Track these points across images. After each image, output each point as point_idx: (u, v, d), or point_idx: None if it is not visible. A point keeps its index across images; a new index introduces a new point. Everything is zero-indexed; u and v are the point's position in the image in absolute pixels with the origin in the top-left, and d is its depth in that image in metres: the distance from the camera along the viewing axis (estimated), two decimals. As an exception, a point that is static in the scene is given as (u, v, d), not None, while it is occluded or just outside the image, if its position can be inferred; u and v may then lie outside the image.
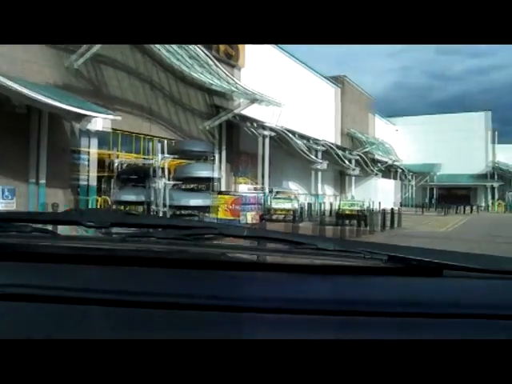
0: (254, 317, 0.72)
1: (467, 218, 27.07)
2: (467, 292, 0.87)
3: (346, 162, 29.92)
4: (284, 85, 25.05)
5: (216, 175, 10.39)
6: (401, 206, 32.35)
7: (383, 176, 37.69)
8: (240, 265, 0.98)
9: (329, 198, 28.95)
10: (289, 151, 24.02)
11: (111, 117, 12.42)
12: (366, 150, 35.48)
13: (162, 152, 11.07)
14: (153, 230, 1.13)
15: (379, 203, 27.28)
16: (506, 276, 0.96)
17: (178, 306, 0.73)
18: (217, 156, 20.09)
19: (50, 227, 1.16)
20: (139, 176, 11.84)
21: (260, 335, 0.66)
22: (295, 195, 19.53)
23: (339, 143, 32.85)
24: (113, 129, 14.26)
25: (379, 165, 37.61)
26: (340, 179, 33.89)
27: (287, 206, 17.50)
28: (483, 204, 45.70)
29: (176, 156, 10.87)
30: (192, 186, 12.71)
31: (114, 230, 1.13)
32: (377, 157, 38.04)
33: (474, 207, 37.73)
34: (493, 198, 46.96)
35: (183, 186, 12.03)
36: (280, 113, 20.15)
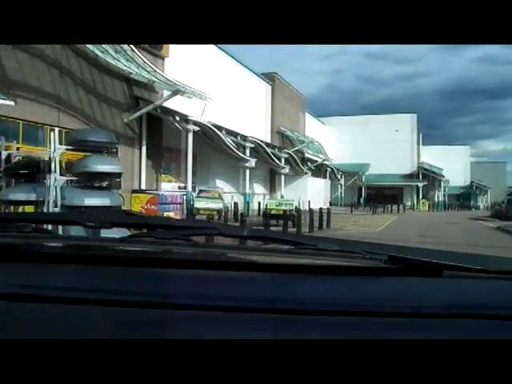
0: (254, 317, 0.73)
1: (396, 217, 27.09)
2: (467, 292, 0.87)
3: (276, 160, 29.10)
4: (213, 78, 23.81)
5: (120, 170, 8.95)
6: (331, 205, 32.12)
7: (314, 175, 37.38)
8: (240, 265, 0.98)
9: (259, 197, 28.11)
10: (217, 148, 22.80)
11: (2, 102, 10.64)
12: (297, 148, 34.96)
13: (58, 143, 9.49)
14: (153, 231, 1.10)
15: (309, 202, 26.90)
16: (506, 276, 0.95)
17: (178, 306, 0.74)
18: (137, 151, 18.51)
19: (50, 227, 1.20)
20: (32, 171, 10.13)
21: (260, 335, 0.66)
22: (220, 194, 18.28)
23: (270, 141, 32.06)
24: (9, 117, 12.44)
25: (310, 164, 37.27)
26: (271, 178, 33.06)
27: (212, 205, 16.24)
28: (409, 203, 46.70)
29: (71, 147, 9.34)
30: (102, 182, 11.13)
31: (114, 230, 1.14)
32: (308, 155, 37.71)
33: (401, 206, 38.29)
34: (418, 197, 48.14)
35: (100, 184, 10.50)
36: (205, 106, 18.88)
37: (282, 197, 27.47)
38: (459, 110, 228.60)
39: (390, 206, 35.40)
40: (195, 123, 19.13)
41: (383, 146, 48.91)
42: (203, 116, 19.32)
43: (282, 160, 30.32)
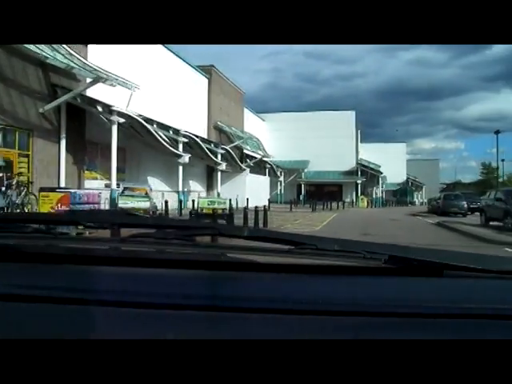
0: (253, 317, 0.73)
1: (335, 215, 26.50)
2: (467, 292, 0.88)
3: (213, 156, 27.74)
4: (146, 69, 22.24)
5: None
6: (270, 202, 31.28)
7: (253, 172, 36.39)
8: (240, 265, 0.97)
9: (196, 195, 26.81)
10: (148, 143, 21.19)
11: None
12: (235, 144, 33.80)
13: None
14: (153, 231, 1.10)
15: (247, 200, 25.94)
16: (506, 276, 0.95)
17: (178, 307, 0.74)
18: (56, 145, 16.66)
19: (50, 228, 1.14)
20: None
21: (260, 335, 0.66)
22: (147, 192, 16.74)
23: (207, 136, 30.73)
24: None
25: (249, 160, 36.28)
26: (208, 175, 31.69)
27: (138, 204, 14.73)
28: (349, 200, 46.74)
29: None
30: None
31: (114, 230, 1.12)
32: (246, 152, 36.72)
33: (342, 203, 38.08)
34: (357, 193, 48.18)
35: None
36: (131, 96, 17.30)
37: (218, 195, 26.32)
38: (395, 109, 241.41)
39: (329, 203, 34.96)
40: (121, 114, 17.48)
41: (323, 142, 48.58)
42: (130, 107, 17.72)
43: (219, 156, 29.00)
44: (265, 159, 40.38)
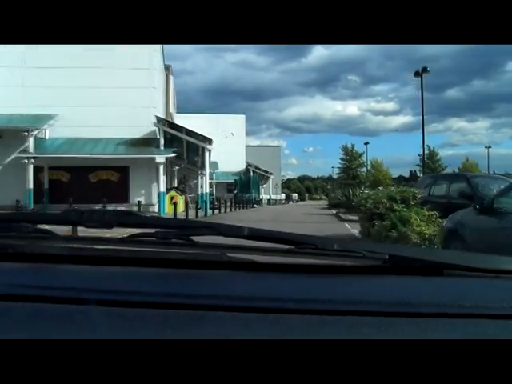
0: (254, 317, 0.73)
1: None
2: (468, 292, 0.88)
3: None
4: None
5: None
6: None
7: None
8: (240, 265, 0.98)
9: None
10: None
11: None
12: None
13: None
14: (153, 231, 1.08)
15: None
16: (507, 276, 0.95)
17: (178, 306, 0.75)
18: None
19: (50, 228, 1.15)
20: None
21: (260, 335, 0.66)
22: None
23: None
24: None
25: None
26: None
27: None
28: (144, 199, 22.42)
29: None
30: None
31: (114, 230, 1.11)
32: None
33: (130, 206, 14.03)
34: (161, 184, 23.25)
35: None
36: None
37: None
38: (223, 107, 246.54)
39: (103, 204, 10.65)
40: None
41: (87, 76, 23.04)
42: None
43: None
44: None
